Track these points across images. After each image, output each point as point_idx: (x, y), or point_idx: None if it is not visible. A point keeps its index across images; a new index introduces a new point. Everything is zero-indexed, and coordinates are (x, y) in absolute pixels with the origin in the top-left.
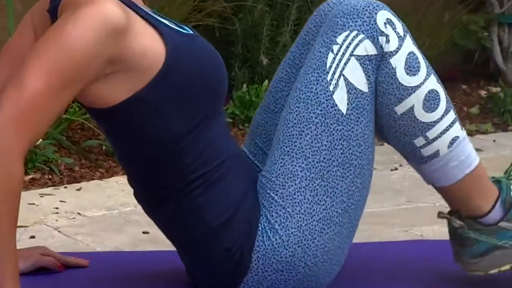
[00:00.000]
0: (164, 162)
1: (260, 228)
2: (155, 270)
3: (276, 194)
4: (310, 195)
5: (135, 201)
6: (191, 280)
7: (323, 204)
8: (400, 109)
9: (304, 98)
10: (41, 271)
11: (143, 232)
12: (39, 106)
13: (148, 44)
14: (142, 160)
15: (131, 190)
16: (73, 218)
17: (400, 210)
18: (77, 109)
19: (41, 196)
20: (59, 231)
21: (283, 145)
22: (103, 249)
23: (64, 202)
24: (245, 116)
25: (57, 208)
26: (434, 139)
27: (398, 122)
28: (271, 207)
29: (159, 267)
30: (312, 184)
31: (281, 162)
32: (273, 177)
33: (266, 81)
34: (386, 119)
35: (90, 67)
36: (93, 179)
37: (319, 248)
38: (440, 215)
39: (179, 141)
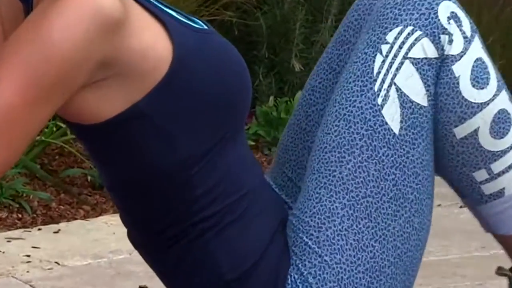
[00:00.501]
0: (168, 195)
1: (289, 281)
2: None
3: (310, 239)
4: (354, 240)
5: (130, 246)
6: None
7: (371, 251)
8: (461, 131)
9: (344, 114)
10: None
11: (140, 287)
12: (10, 124)
13: (150, 42)
14: (140, 193)
15: (125, 232)
16: (50, 268)
17: (473, 258)
18: (54, 129)
19: (8, 241)
20: (31, 286)
21: (319, 176)
22: None
23: (38, 248)
24: (272, 138)
25: (28, 256)
26: (499, 174)
27: (457, 148)
28: (304, 255)
29: None
30: (356, 226)
31: (316, 198)
32: (306, 217)
33: (299, 92)
34: (441, 143)
35: (76, 73)
36: (75, 218)
37: None
38: (500, 271)
39: (187, 168)
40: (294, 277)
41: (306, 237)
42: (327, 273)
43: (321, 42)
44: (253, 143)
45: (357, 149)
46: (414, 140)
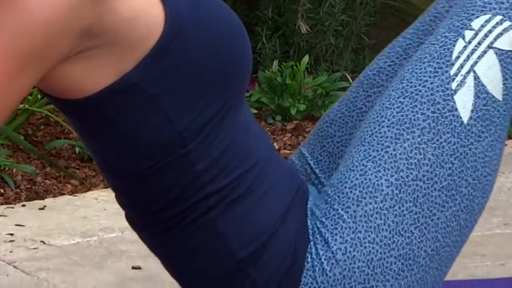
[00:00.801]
0: (167, 172)
1: (309, 258)
2: None
3: (347, 212)
4: (393, 221)
5: (121, 224)
6: None
7: (409, 237)
8: None
9: (412, 92)
10: None
11: (134, 267)
12: None
13: (139, 8)
14: (136, 171)
15: (117, 209)
16: (35, 248)
17: (494, 236)
18: (39, 97)
19: None
20: (15, 267)
21: (369, 148)
22: None
23: (22, 226)
24: (276, 106)
25: (11, 234)
26: None
27: None
28: (336, 228)
29: None
30: (399, 207)
31: (361, 170)
32: (345, 187)
33: (307, 56)
34: None
35: (58, 43)
36: (62, 194)
37: None
38: None
39: (185, 142)
40: (317, 254)
41: (342, 209)
42: (357, 251)
43: (329, 1)
44: (255, 111)
45: (418, 129)
46: (481, 133)
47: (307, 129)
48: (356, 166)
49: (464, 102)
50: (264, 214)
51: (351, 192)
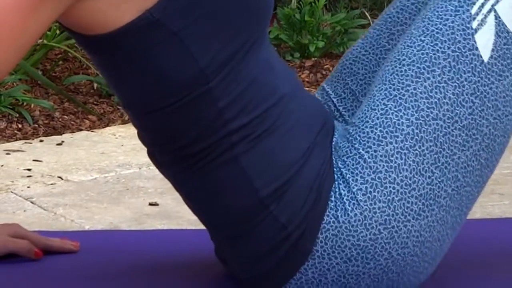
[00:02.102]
0: (190, 108)
1: (333, 197)
2: (167, 254)
3: (367, 152)
4: (413, 161)
5: (139, 160)
6: (224, 267)
7: (429, 177)
8: None
9: (433, 31)
10: (10, 258)
11: (150, 204)
12: (6, 29)
13: None
14: (159, 108)
15: (134, 145)
16: (52, 184)
17: None
18: (58, 32)
19: (7, 154)
20: (32, 202)
21: (390, 87)
22: (94, 227)
23: (40, 161)
24: (295, 43)
25: (29, 169)
26: None
27: None
28: (357, 168)
29: (172, 250)
30: (420, 147)
31: (382, 109)
32: (366, 127)
33: None
34: None
35: None
36: (80, 129)
37: (411, 235)
38: None
39: (208, 78)
40: (340, 193)
41: (363, 149)
42: (378, 191)
43: None
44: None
45: (438, 68)
46: (502, 72)
47: (325, 66)
48: (377, 105)
49: (485, 41)
50: (288, 151)
51: (372, 131)
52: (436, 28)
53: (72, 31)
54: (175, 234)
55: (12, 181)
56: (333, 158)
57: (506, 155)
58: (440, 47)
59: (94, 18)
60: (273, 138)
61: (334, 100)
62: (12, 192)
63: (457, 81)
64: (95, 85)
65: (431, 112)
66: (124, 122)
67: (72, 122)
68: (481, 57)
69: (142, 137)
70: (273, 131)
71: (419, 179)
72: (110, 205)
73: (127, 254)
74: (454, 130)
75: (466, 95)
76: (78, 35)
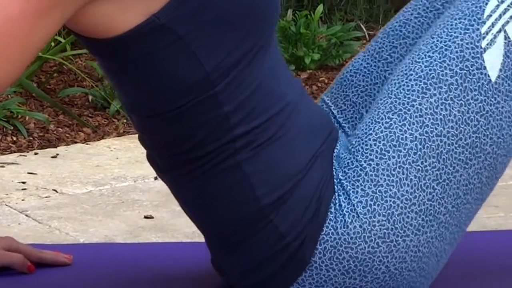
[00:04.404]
0: (195, 113)
1: (333, 209)
2: (163, 267)
3: (369, 164)
4: (415, 176)
5: (134, 173)
6: (220, 276)
7: (430, 193)
8: None
9: (442, 47)
10: (3, 271)
11: (146, 217)
12: (10, 37)
13: None
14: (164, 112)
15: (129, 158)
16: (47, 196)
17: (508, 187)
18: (53, 45)
19: (2, 166)
20: (26, 215)
21: (395, 101)
22: (89, 240)
23: (34, 174)
24: (290, 55)
25: (23, 182)
26: None
27: None
28: (358, 181)
29: (167, 263)
30: (422, 163)
31: (386, 122)
32: (370, 139)
33: (321, 6)
34: None
35: None
36: (75, 142)
37: (410, 250)
38: None
39: (213, 83)
40: (340, 205)
41: (365, 161)
42: (378, 204)
43: None
44: None
45: (445, 85)
46: (508, 93)
47: (320, 79)
48: (382, 118)
49: (493, 61)
50: (291, 160)
51: (375, 144)
52: (445, 45)
53: (79, 35)
54: (170, 247)
55: (7, 194)
56: (334, 169)
57: None
58: (448, 64)
59: (101, 22)
60: (277, 147)
61: (334, 111)
62: (6, 205)
63: (463, 99)
64: (90, 97)
65: (436, 129)
66: (119, 135)
67: (67, 135)
68: (489, 76)
69: (144, 140)
70: (276, 139)
71: (420, 195)
72: (105, 218)
73: (122, 267)
74: (457, 148)
75: (472, 113)
76: (85, 39)
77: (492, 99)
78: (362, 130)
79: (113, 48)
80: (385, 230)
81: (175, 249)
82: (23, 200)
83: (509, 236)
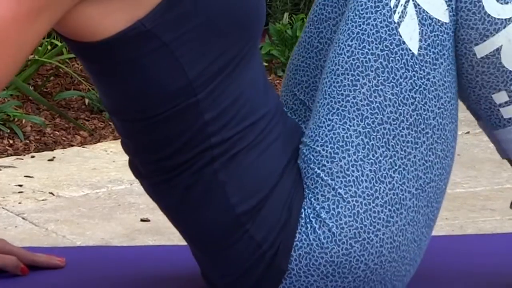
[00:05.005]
0: (176, 119)
1: (303, 216)
2: (159, 270)
3: (323, 170)
4: (370, 170)
5: (131, 176)
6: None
7: (389, 182)
8: (482, 50)
9: (357, 33)
10: None
11: (142, 220)
12: (3, 41)
13: None
14: (145, 117)
15: (126, 161)
16: (44, 199)
17: (504, 191)
18: (49, 48)
19: None
20: (23, 218)
21: (331, 101)
22: (85, 243)
23: (31, 177)
24: (286, 58)
25: (20, 185)
26: None
27: (476, 68)
28: (317, 187)
29: (163, 266)
30: (373, 155)
31: (328, 125)
32: (317, 146)
33: None
34: (460, 62)
35: None
36: (72, 145)
37: (385, 243)
38: None
39: (196, 90)
40: (307, 212)
41: (318, 168)
42: (341, 207)
43: None
44: (265, 64)
45: (372, 71)
46: (435, 60)
47: None
48: (323, 122)
49: (409, 33)
50: (265, 169)
51: (323, 150)
52: (361, 30)
53: (64, 37)
54: (166, 250)
55: (3, 197)
56: (302, 175)
57: (497, 172)
58: (369, 49)
59: (86, 25)
60: (252, 155)
61: (289, 114)
62: (3, 208)
63: (393, 81)
64: (87, 100)
65: (376, 118)
66: (115, 138)
67: (64, 138)
68: (410, 50)
69: (125, 145)
70: (252, 148)
71: (380, 187)
72: (101, 221)
73: (119, 270)
74: (402, 130)
75: (406, 92)
76: (70, 41)
77: (421, 72)
78: (309, 137)
79: (98, 52)
80: (354, 230)
81: (171, 252)
82: (19, 203)
83: (505, 239)
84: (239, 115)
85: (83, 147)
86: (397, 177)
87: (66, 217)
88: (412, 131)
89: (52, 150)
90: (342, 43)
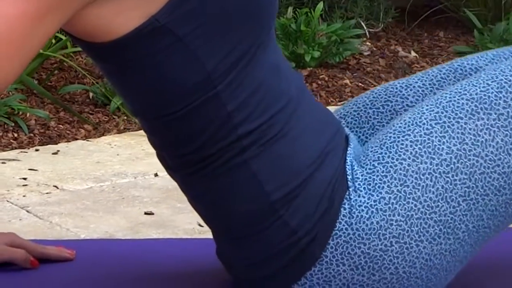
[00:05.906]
0: (198, 113)
1: (347, 205)
2: (163, 263)
3: (401, 163)
4: (443, 187)
5: (134, 169)
6: (228, 273)
7: (454, 207)
8: None
9: (502, 80)
10: (6, 267)
11: (146, 213)
12: (11, 39)
13: None
14: (168, 113)
15: (130, 154)
16: (48, 193)
17: None
18: (54, 42)
19: (3, 163)
20: (28, 211)
21: (443, 112)
22: (89, 236)
23: (35, 170)
24: (290, 53)
25: (25, 178)
26: None
27: None
28: (386, 176)
29: (167, 259)
30: (453, 176)
31: (427, 129)
32: (406, 139)
33: (321, 3)
34: None
35: None
36: (76, 139)
37: (421, 257)
38: None
39: (214, 83)
40: (356, 200)
41: (397, 159)
42: (400, 204)
43: None
44: None
45: (495, 113)
46: None
47: (321, 76)
48: (424, 124)
49: None
50: (299, 156)
51: (411, 146)
52: (505, 79)
53: (76, 38)
54: (170, 243)
55: (8, 190)
56: (347, 167)
57: None
58: (504, 96)
59: (99, 25)
60: (283, 143)
61: (352, 126)
62: (7, 201)
63: (509, 131)
64: (91, 94)
65: (474, 150)
66: (119, 132)
67: (68, 132)
68: None
69: (152, 140)
70: (282, 136)
71: (443, 205)
72: (105, 214)
73: (123, 263)
74: (493, 173)
75: None
76: (83, 42)
77: None
78: (400, 127)
79: (112, 52)
80: (400, 231)
81: (175, 245)
82: (24, 196)
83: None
84: (263, 104)
85: (87, 140)
86: (463, 206)
87: (70, 210)
88: (501, 179)
89: (56, 144)
90: (481, 80)
